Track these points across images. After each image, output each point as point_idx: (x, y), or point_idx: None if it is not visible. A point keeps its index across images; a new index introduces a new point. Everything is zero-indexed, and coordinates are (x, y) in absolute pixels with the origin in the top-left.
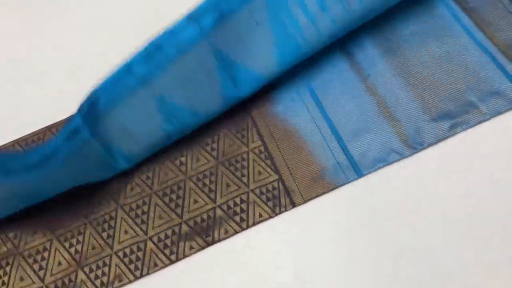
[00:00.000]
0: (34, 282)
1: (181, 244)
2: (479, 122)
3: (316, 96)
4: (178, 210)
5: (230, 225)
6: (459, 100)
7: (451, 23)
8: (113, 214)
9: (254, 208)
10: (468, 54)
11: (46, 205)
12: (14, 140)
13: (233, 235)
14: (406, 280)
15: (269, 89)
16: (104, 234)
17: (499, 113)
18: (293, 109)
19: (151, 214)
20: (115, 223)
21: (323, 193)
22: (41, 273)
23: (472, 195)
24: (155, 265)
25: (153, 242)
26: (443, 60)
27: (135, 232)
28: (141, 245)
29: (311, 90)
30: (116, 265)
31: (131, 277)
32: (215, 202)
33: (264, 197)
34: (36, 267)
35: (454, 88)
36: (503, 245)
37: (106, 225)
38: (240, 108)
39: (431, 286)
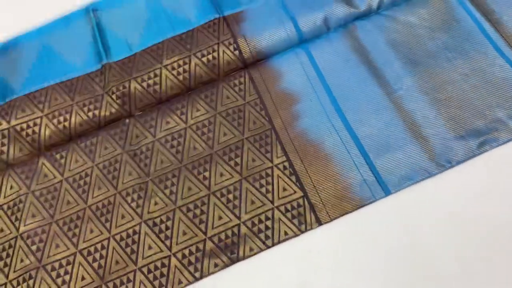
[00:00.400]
0: None
1: (206, 261)
2: (509, 140)
3: (341, 110)
4: (202, 226)
5: (255, 243)
6: (487, 117)
7: (478, 37)
8: (136, 228)
9: (279, 225)
10: (496, 70)
11: (70, 218)
12: None
13: (258, 252)
14: None
15: (293, 103)
16: (128, 249)
17: None
18: (318, 124)
19: (175, 229)
20: (139, 238)
21: (350, 211)
22: (64, 287)
23: (504, 212)
24: (180, 282)
25: (177, 259)
26: (471, 75)
27: (159, 247)
28: (165, 261)
29: (335, 104)
30: (140, 281)
31: None
32: (239, 219)
33: (289, 214)
34: (59, 281)
35: (482, 105)
36: None
37: (129, 240)
38: (263, 122)
39: None
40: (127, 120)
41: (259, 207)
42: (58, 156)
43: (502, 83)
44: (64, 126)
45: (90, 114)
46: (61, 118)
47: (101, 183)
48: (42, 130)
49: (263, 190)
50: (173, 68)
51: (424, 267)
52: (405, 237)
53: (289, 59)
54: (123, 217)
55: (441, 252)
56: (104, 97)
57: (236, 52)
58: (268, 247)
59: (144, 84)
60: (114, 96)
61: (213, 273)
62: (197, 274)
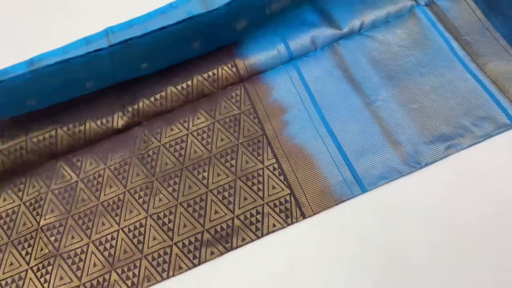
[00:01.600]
0: (72, 281)
1: (203, 249)
2: (472, 144)
3: (325, 119)
4: (201, 220)
5: (247, 234)
6: (454, 124)
7: (448, 54)
8: (143, 221)
9: (268, 219)
10: (463, 83)
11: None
12: None
13: (249, 242)
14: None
15: (282, 112)
16: (135, 240)
17: (490, 136)
18: (304, 130)
19: (177, 222)
20: (145, 230)
21: (331, 206)
22: (79, 273)
23: (465, 210)
24: (180, 268)
25: (178, 248)
26: (440, 88)
27: (162, 238)
28: (168, 250)
29: (320, 113)
30: (145, 267)
31: (158, 278)
32: (233, 213)
33: (277, 209)
34: (74, 267)
35: (449, 114)
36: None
37: (136, 232)
38: (256, 129)
39: None
40: (135, 128)
41: (250, 203)
42: (75, 160)
43: (467, 94)
44: (79, 130)
45: (104, 124)
46: (76, 130)
47: (112, 182)
48: (59, 140)
49: (255, 188)
50: (178, 84)
51: (396, 254)
52: (378, 228)
53: (280, 74)
54: (131, 212)
55: (410, 240)
56: (116, 111)
57: (234, 69)
58: (258, 237)
59: (152, 99)
60: (125, 111)
61: (209, 260)
62: (195, 261)
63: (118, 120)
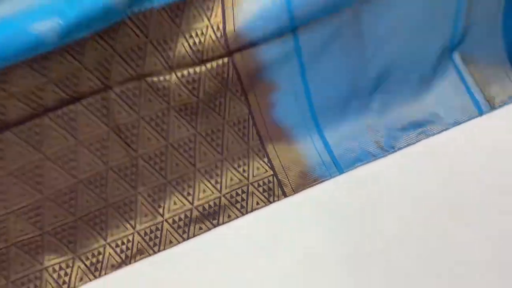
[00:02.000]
0: (67, 253)
1: (192, 225)
2: (442, 131)
3: (312, 105)
4: (190, 198)
5: (233, 211)
6: (426, 112)
7: None
8: (133, 198)
9: (252, 197)
10: (438, 75)
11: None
12: None
13: (235, 219)
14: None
15: (271, 93)
16: (126, 216)
17: (459, 123)
18: (290, 115)
19: (167, 200)
20: (136, 207)
21: (310, 186)
22: (71, 247)
23: (432, 189)
24: (170, 242)
25: (168, 224)
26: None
27: (153, 215)
28: (159, 226)
29: (309, 101)
30: (138, 242)
31: (150, 251)
32: (220, 192)
33: (261, 189)
34: (71, 247)
35: (423, 103)
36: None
37: (127, 208)
38: (243, 109)
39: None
40: (114, 103)
41: (236, 183)
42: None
43: (440, 85)
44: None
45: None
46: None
47: (91, 160)
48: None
49: (241, 169)
50: (159, 44)
51: (367, 226)
52: (352, 205)
53: (273, 54)
54: (118, 189)
55: (380, 213)
56: (83, 72)
57: (222, 39)
58: (243, 214)
59: (126, 58)
60: (93, 72)
61: (197, 235)
62: (185, 236)
63: (85, 82)
